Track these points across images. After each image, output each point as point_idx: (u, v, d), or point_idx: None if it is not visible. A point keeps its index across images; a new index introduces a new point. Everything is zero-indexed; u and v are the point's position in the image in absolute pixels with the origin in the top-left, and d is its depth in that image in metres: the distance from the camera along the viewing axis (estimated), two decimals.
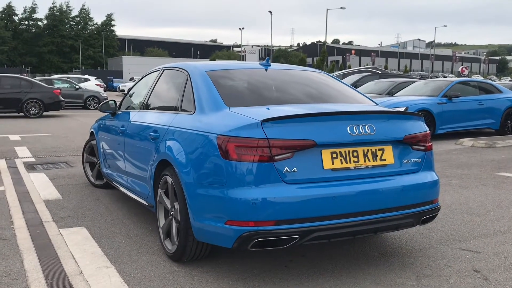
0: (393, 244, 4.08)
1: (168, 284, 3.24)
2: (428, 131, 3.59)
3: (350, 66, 59.89)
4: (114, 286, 3.19)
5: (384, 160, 3.29)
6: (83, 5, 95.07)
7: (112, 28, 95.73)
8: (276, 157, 2.95)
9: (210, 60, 44.70)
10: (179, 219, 3.44)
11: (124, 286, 3.19)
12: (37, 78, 23.59)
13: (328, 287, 3.20)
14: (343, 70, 30.91)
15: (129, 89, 5.51)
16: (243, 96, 3.69)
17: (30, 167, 7.74)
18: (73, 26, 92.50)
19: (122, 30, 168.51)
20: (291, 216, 2.94)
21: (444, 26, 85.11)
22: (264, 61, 4.23)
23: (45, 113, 17.90)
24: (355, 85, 17.26)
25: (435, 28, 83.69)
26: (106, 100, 5.52)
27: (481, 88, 12.63)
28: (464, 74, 36.49)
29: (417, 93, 12.25)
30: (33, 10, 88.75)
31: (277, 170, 2.95)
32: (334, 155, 3.11)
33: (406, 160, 3.40)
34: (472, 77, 59.74)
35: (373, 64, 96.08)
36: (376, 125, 3.23)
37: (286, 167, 2.97)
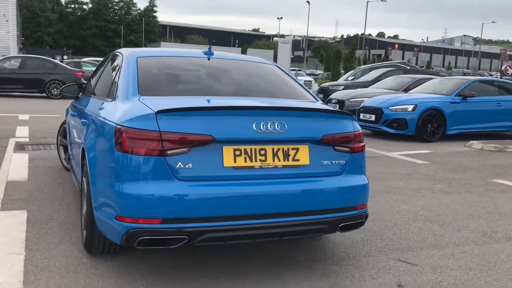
0: (327, 250, 3.84)
1: (65, 276, 3.14)
2: (358, 132, 3.33)
3: (392, 60, 58.36)
4: (11, 275, 3.11)
5: (298, 160, 3.06)
6: None
7: (154, 14, 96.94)
8: (169, 152, 2.78)
9: (248, 49, 44.51)
10: (87, 208, 3.33)
11: (21, 275, 3.11)
12: (66, 60, 24.10)
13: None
14: (370, 64, 30.08)
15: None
16: (164, 86, 3.53)
17: (20, 147, 7.84)
18: (116, 11, 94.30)
19: (164, 16, 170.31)
20: (180, 215, 2.76)
21: (492, 22, 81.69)
22: (207, 50, 4.04)
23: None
24: (377, 80, 16.71)
25: (483, 24, 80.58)
26: (69, 84, 5.45)
27: (502, 88, 11.94)
28: (508, 74, 34.87)
29: (431, 90, 11.71)
30: None
31: (169, 166, 2.78)
32: (238, 153, 2.91)
33: (326, 162, 3.15)
34: None
35: (417, 59, 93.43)
36: (288, 122, 3.00)
37: (180, 163, 2.80)
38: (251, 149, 2.93)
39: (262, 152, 2.96)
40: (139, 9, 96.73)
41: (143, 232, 2.75)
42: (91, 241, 3.32)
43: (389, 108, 10.68)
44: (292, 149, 3.04)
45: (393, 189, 6.06)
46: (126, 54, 3.85)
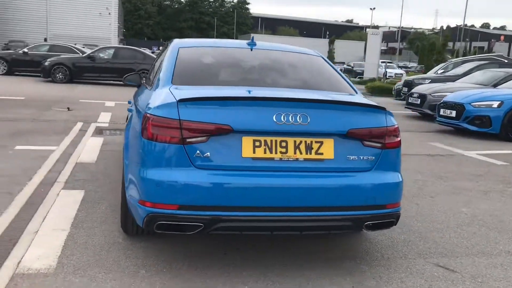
0: (362, 248, 3.70)
1: (98, 253, 3.33)
2: (392, 126, 3.16)
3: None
4: (51, 248, 3.36)
5: (321, 154, 2.97)
6: None
7: (247, 6, 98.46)
8: (188, 140, 2.83)
9: (336, 40, 43.64)
10: (121, 190, 3.50)
11: (59, 250, 3.34)
12: (157, 52, 25.21)
13: (280, 283, 3.03)
14: (463, 57, 28.10)
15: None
16: (199, 76, 3.58)
17: (99, 131, 8.38)
18: (211, 3, 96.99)
19: (257, 8, 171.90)
20: (196, 202, 2.81)
21: None
22: (250, 41, 4.04)
23: None
24: (467, 74, 15.65)
25: None
26: (132, 73, 5.72)
27: None
28: None
29: None
30: None
31: (187, 153, 2.83)
32: (257, 144, 2.89)
33: (352, 157, 3.03)
34: None
35: None
36: (311, 115, 2.92)
37: (198, 151, 2.84)
38: (271, 141, 2.90)
39: (283, 144, 2.92)
40: (233, 1, 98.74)
41: (161, 217, 2.84)
42: (126, 222, 3.49)
43: (472, 104, 9.98)
44: (316, 142, 2.96)
45: (458, 190, 5.69)
46: (172, 44, 3.97)
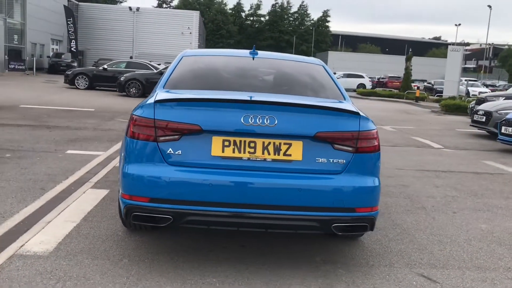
0: (350, 254, 3.70)
1: (94, 243, 3.63)
2: (366, 131, 3.17)
3: None
4: (55, 236, 3.72)
5: (289, 155, 3.07)
6: (302, 2, 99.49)
7: (326, 24, 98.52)
8: (161, 138, 3.06)
9: (413, 57, 42.34)
10: None
11: (60, 238, 3.69)
12: None
13: (249, 278, 3.18)
14: None
15: None
16: (192, 81, 3.81)
17: None
18: (291, 22, 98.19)
19: (337, 26, 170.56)
20: (165, 196, 3.01)
21: None
22: (251, 50, 4.23)
23: None
24: None
25: None
26: None
27: None
28: None
29: None
30: (258, 6, 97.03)
31: (161, 151, 3.06)
32: (227, 143, 3.05)
33: (321, 159, 3.10)
34: None
35: None
36: (278, 117, 3.04)
37: (171, 149, 3.05)
38: (240, 141, 3.05)
39: (252, 144, 3.05)
40: (313, 20, 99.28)
41: (135, 209, 3.08)
42: (121, 215, 3.77)
43: None
44: (285, 144, 3.07)
45: (487, 207, 5.43)
46: (179, 54, 4.26)
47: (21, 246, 3.47)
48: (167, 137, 3.05)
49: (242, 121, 3.02)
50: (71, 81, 21.07)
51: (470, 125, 13.39)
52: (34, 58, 31.90)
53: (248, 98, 3.18)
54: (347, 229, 3.14)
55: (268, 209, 3.02)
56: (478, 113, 12.86)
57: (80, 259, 3.32)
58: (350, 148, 3.13)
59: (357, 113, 3.20)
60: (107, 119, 11.46)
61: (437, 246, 4.00)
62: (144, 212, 3.07)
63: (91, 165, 6.35)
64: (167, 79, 3.73)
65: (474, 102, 19.23)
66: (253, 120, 3.02)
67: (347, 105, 3.47)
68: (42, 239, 3.63)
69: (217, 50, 4.69)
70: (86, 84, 20.97)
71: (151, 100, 3.25)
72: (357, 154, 3.14)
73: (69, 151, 7.21)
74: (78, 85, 21.00)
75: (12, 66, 30.54)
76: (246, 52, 4.29)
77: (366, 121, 3.22)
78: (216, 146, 3.05)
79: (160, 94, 3.37)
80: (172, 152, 3.05)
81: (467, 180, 6.92)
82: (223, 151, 3.05)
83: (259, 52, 4.22)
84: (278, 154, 3.06)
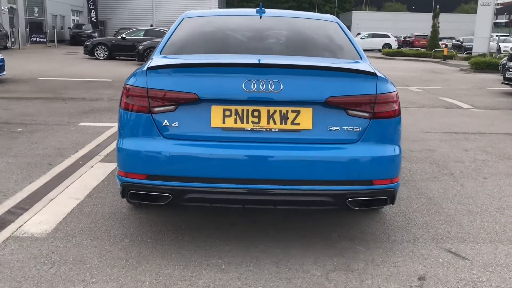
0: (369, 229, 3.41)
1: (97, 221, 3.43)
2: (384, 94, 2.82)
3: None
4: (55, 215, 3.53)
5: (298, 124, 2.75)
6: None
7: None
8: (155, 109, 2.78)
9: (441, 13, 40.18)
10: None
11: (61, 217, 3.50)
12: None
13: (258, 258, 2.94)
14: None
15: None
16: (192, 45, 3.48)
17: None
18: None
19: None
20: (163, 172, 2.75)
21: None
22: (258, 8, 3.85)
23: None
24: None
25: None
26: None
27: None
28: None
29: None
30: None
31: (156, 123, 2.78)
32: (227, 113, 2.75)
33: (334, 128, 2.77)
34: None
35: None
36: (284, 82, 2.71)
37: (166, 121, 2.77)
38: (242, 110, 2.74)
39: (255, 113, 2.74)
40: None
41: (132, 186, 2.83)
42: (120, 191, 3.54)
43: None
44: (292, 111, 2.75)
45: None
46: (180, 16, 3.93)
47: (18, 227, 3.29)
48: (161, 108, 2.77)
49: (243, 87, 2.70)
50: (90, 52, 20.92)
51: (502, 82, 12.70)
52: (55, 30, 31.86)
53: (249, 61, 2.85)
54: (364, 204, 2.84)
55: (276, 184, 2.73)
56: (511, 69, 12.17)
57: (79, 240, 3.13)
58: (366, 114, 2.79)
59: (374, 74, 2.84)
60: None
61: (466, 217, 3.67)
62: (141, 190, 2.82)
63: (103, 138, 6.16)
64: (165, 43, 3.42)
65: (505, 58, 18.33)
66: (255, 86, 2.70)
67: (363, 65, 3.11)
68: (42, 219, 3.45)
69: (221, 10, 4.33)
70: (106, 54, 20.79)
71: (143, 67, 2.95)
72: (374, 120, 2.80)
73: (82, 123, 7.05)
74: (98, 55, 20.85)
75: (34, 39, 30.55)
76: (252, 11, 3.92)
77: (384, 83, 2.86)
78: (216, 117, 2.75)
79: (154, 60, 3.08)
80: (168, 124, 2.77)
81: (499, 142, 6.48)
82: (223, 122, 2.75)
83: (267, 10, 3.84)
84: (285, 123, 2.75)
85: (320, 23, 3.83)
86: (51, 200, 3.83)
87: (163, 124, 2.77)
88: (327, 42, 3.59)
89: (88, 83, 12.31)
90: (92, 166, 4.84)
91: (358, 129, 2.78)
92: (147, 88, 2.78)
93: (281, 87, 2.70)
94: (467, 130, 7.19)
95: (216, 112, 2.75)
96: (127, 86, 2.87)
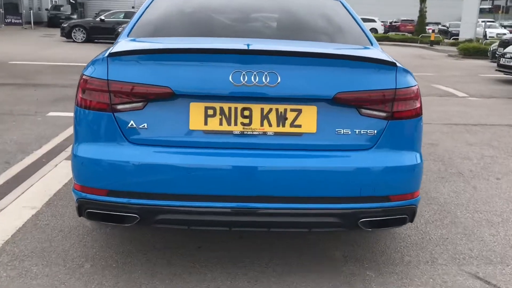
0: (379, 246, 2.89)
1: (54, 238, 2.85)
2: (407, 89, 2.28)
3: None
4: (2, 230, 2.94)
5: (299, 126, 2.20)
6: None
7: None
8: (119, 107, 2.19)
9: None
10: None
11: (10, 233, 2.90)
12: None
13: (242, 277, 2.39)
14: None
15: None
16: (166, 26, 2.88)
17: None
18: None
19: None
20: (129, 187, 2.18)
21: None
22: None
23: None
24: None
25: None
26: None
27: None
28: None
29: None
30: None
31: (119, 124, 2.20)
32: (210, 112, 2.18)
33: (343, 130, 2.22)
34: None
35: None
36: (282, 73, 2.14)
37: (133, 122, 2.19)
38: (229, 108, 2.17)
39: (246, 113, 2.18)
40: None
41: (89, 204, 2.25)
42: None
43: None
44: (292, 110, 2.19)
45: None
46: None
47: None
48: (126, 105, 2.18)
49: (230, 79, 2.13)
50: (67, 34, 20.00)
51: (496, 69, 12.28)
52: (32, 11, 30.60)
53: (238, 47, 2.27)
54: (379, 224, 2.30)
55: (269, 202, 2.17)
56: (505, 56, 11.75)
57: (27, 266, 2.54)
58: (383, 114, 2.24)
59: (393, 64, 2.29)
60: None
61: (487, 229, 3.18)
62: (101, 209, 2.24)
63: (71, 130, 5.51)
64: (134, 24, 2.82)
65: (495, 44, 17.96)
66: (246, 79, 2.13)
67: (377, 53, 2.55)
68: None
69: None
70: (84, 37, 19.91)
71: (104, 53, 2.36)
72: (392, 121, 2.26)
73: (50, 113, 6.39)
74: (75, 38, 19.95)
75: (9, 20, 29.36)
76: None
77: (404, 75, 2.31)
78: (196, 117, 2.17)
79: (119, 44, 2.48)
80: (134, 126, 2.19)
81: (503, 135, 6.01)
82: (205, 123, 2.18)
83: None
84: (283, 126, 2.19)
85: (320, 2, 3.26)
86: (1, 210, 3.23)
87: (129, 125, 2.19)
88: (329, 24, 3.02)
89: (62, 67, 11.55)
90: (56, 165, 4.23)
91: (373, 133, 2.24)
92: (107, 80, 2.19)
93: (279, 80, 2.13)
94: (467, 121, 6.72)
95: (196, 110, 2.17)
96: (84, 77, 2.27)
